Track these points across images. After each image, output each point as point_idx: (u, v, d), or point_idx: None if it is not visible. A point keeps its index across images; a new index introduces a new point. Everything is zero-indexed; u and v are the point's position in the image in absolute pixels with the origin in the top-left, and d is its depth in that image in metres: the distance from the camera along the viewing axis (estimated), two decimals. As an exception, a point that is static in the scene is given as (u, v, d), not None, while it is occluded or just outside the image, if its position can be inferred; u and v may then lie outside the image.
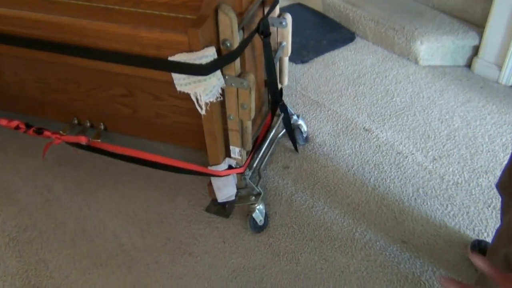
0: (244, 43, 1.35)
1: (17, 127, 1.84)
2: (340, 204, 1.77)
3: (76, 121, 1.98)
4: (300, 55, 2.50)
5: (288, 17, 1.60)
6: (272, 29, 1.62)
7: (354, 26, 2.63)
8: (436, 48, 2.35)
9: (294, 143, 1.95)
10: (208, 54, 1.22)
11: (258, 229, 1.69)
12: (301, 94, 2.29)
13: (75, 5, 1.39)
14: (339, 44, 2.57)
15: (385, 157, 1.93)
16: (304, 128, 1.99)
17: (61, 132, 1.86)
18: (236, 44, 1.29)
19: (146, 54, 1.29)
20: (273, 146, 1.96)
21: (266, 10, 1.56)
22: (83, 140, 1.77)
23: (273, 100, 1.74)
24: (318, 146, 2.00)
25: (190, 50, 1.23)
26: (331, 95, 2.26)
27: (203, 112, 1.33)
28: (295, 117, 1.98)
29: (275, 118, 1.88)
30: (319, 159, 1.95)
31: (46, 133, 1.82)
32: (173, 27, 1.23)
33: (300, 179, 1.87)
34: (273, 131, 1.90)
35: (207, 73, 1.25)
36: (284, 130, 1.97)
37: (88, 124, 1.98)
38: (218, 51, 1.30)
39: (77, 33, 1.33)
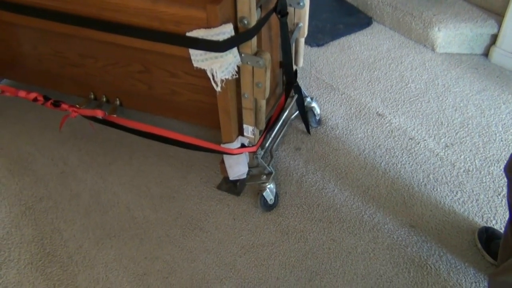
0: (261, 22, 1.35)
1: (35, 99, 1.88)
2: (350, 187, 1.79)
3: (92, 96, 2.01)
4: (316, 38, 2.49)
5: (306, -3, 1.60)
6: (289, 10, 1.62)
7: (372, 11, 2.61)
8: (453, 35, 2.33)
9: (307, 125, 1.96)
10: (226, 31, 1.24)
11: (268, 207, 1.72)
12: (316, 77, 2.29)
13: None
14: (355, 28, 2.56)
15: (397, 142, 1.94)
16: (317, 110, 2.00)
17: (77, 105, 1.89)
18: (253, 22, 1.30)
19: (165, 29, 1.31)
20: (285, 127, 1.97)
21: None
22: (99, 114, 1.80)
23: (288, 81, 1.75)
24: (330, 129, 2.02)
25: (208, 26, 1.24)
26: (346, 79, 2.26)
27: (218, 89, 1.35)
28: (308, 99, 1.99)
29: (288, 100, 1.89)
30: (331, 141, 1.96)
31: (63, 106, 1.85)
32: (192, 3, 1.24)
33: (311, 160, 1.89)
34: (286, 112, 1.91)
35: (223, 50, 1.27)
36: (297, 112, 1.99)
37: (104, 99, 2.00)
38: (236, 28, 1.31)
39: (98, 6, 1.35)
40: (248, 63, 1.38)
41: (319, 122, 2.03)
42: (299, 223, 1.68)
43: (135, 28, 1.35)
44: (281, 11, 1.48)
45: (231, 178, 1.72)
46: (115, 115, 1.85)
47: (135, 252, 1.65)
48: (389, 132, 1.98)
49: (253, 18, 1.29)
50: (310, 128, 1.99)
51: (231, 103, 1.49)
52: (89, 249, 1.67)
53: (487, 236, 1.56)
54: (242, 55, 1.37)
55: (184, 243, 1.66)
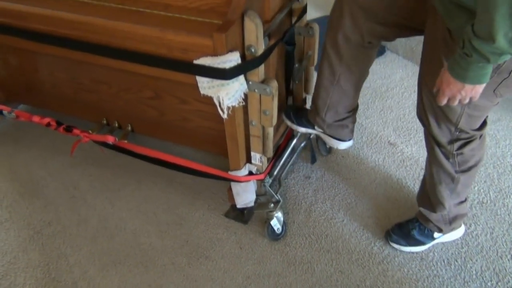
0: (268, 50, 1.36)
1: (48, 124, 1.91)
2: (360, 217, 1.75)
3: (105, 121, 2.04)
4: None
5: (316, 27, 1.61)
6: (299, 38, 1.63)
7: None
8: (467, 64, 2.30)
9: (313, 154, 1.93)
10: (232, 59, 1.24)
11: (275, 236, 1.69)
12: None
13: (108, 7, 1.44)
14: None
15: (409, 172, 1.90)
16: (328, 139, 1.98)
17: (90, 131, 1.91)
18: (260, 51, 1.30)
19: (172, 57, 1.32)
20: (295, 155, 1.95)
21: (294, 20, 1.57)
22: (110, 139, 1.82)
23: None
24: (341, 158, 1.99)
25: (215, 54, 1.25)
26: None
27: (224, 116, 1.35)
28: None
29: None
30: (342, 170, 1.93)
31: (75, 131, 1.87)
32: (199, 31, 1.26)
33: (321, 189, 1.86)
34: (295, 140, 1.90)
35: (230, 77, 1.27)
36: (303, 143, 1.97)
37: (116, 124, 2.03)
38: (243, 56, 1.31)
39: (108, 34, 1.38)
40: (256, 90, 1.39)
41: (329, 150, 2.01)
42: (306, 253, 1.64)
43: (143, 55, 1.36)
44: (288, 41, 1.49)
45: (238, 206, 1.70)
46: (126, 141, 1.86)
47: (139, 279, 1.63)
48: (401, 162, 1.95)
49: (260, 46, 1.30)
50: (320, 156, 1.97)
51: (238, 130, 1.49)
52: (94, 275, 1.66)
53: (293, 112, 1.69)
54: (250, 82, 1.37)
55: (189, 272, 1.64)
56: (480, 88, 1.04)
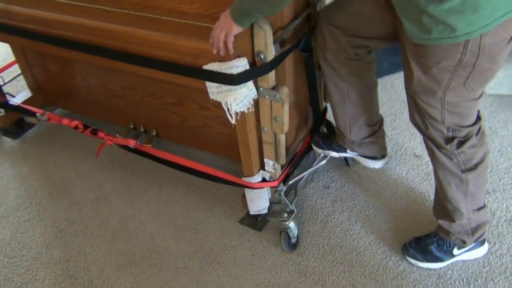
0: (279, 57, 1.35)
1: (76, 127, 1.99)
2: (377, 230, 1.69)
3: (132, 126, 2.10)
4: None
5: (334, 34, 1.58)
6: (317, 45, 1.61)
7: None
8: (504, 76, 2.19)
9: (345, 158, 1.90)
10: (239, 65, 1.25)
11: (291, 247, 1.66)
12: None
13: (127, 14, 1.48)
14: (400, 67, 2.47)
15: (433, 186, 1.81)
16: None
17: (117, 135, 1.97)
18: (270, 57, 1.30)
19: (184, 62, 1.35)
20: (315, 165, 1.92)
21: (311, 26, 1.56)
22: (131, 143, 1.87)
23: (315, 118, 1.73)
24: (363, 169, 1.94)
25: (222, 59, 1.26)
26: (385, 118, 2.16)
27: (233, 121, 1.35)
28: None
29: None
30: (363, 181, 1.88)
31: (100, 134, 1.94)
32: (208, 37, 1.27)
33: (340, 200, 1.82)
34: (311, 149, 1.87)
35: (237, 83, 1.27)
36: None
37: (142, 129, 2.08)
38: (253, 62, 1.32)
39: (124, 40, 1.42)
40: (266, 97, 1.38)
41: (352, 160, 1.96)
42: (318, 264, 1.61)
43: (158, 60, 1.39)
44: (306, 48, 1.48)
45: (251, 213, 1.70)
46: (150, 145, 1.91)
47: (152, 281, 1.65)
48: (425, 175, 1.87)
49: (270, 53, 1.30)
50: (343, 167, 1.93)
51: (250, 136, 1.49)
52: (109, 274, 1.70)
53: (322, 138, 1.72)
54: (260, 89, 1.37)
55: (200, 276, 1.64)
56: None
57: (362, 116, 1.60)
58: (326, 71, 1.51)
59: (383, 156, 1.71)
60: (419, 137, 2.05)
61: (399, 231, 1.68)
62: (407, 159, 1.96)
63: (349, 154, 1.72)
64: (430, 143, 1.37)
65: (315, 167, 1.84)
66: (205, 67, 1.30)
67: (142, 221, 1.88)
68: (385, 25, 1.33)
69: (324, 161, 1.82)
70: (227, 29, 1.19)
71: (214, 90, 1.33)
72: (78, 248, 1.82)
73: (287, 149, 1.74)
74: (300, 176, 1.77)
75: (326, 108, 1.83)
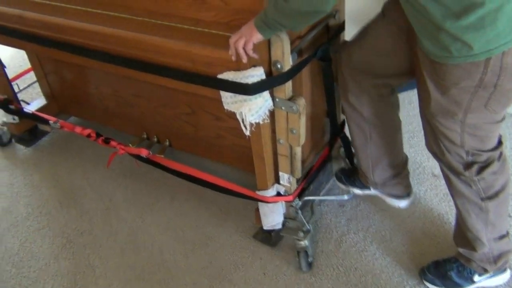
0: (297, 67, 1.30)
1: (88, 135, 1.96)
2: (393, 252, 1.61)
3: (145, 135, 2.06)
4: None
5: (353, 45, 1.53)
6: (336, 57, 1.56)
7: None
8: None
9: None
10: (255, 74, 1.20)
11: (307, 267, 1.59)
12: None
13: (142, 22, 1.45)
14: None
15: (452, 207, 1.73)
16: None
17: (130, 144, 1.94)
18: (287, 67, 1.25)
19: (197, 71, 1.31)
20: (331, 181, 1.86)
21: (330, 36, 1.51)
22: (143, 152, 1.83)
23: (332, 131, 1.67)
24: (380, 186, 1.87)
25: (238, 68, 1.22)
26: (402, 136, 2.11)
27: (247, 133, 1.30)
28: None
29: (336, 150, 1.79)
30: (379, 201, 1.79)
31: (113, 143, 1.90)
32: (224, 45, 1.23)
33: (355, 219, 1.75)
34: (331, 163, 1.81)
35: (252, 93, 1.23)
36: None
37: (155, 139, 2.05)
38: (269, 72, 1.27)
39: (138, 48, 1.39)
40: (282, 108, 1.33)
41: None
42: (332, 286, 1.53)
43: (171, 69, 1.36)
44: (324, 58, 1.43)
45: (264, 227, 1.64)
46: (162, 156, 1.87)
47: (160, 297, 1.60)
48: (444, 196, 1.79)
49: (287, 62, 1.25)
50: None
51: (265, 148, 1.44)
52: (116, 289, 1.65)
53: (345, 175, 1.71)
54: (276, 99, 1.32)
55: (209, 294, 1.58)
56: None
57: (385, 157, 1.54)
58: (348, 112, 1.49)
59: (408, 195, 1.64)
60: (440, 154, 1.97)
61: (417, 253, 1.60)
62: (426, 179, 1.88)
63: (372, 192, 1.66)
64: (447, 170, 1.29)
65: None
66: (219, 76, 1.25)
67: (152, 234, 1.83)
68: (403, 56, 1.28)
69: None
70: (247, 36, 1.15)
71: (228, 100, 1.28)
72: (86, 260, 1.77)
73: (303, 162, 1.68)
74: (317, 192, 1.71)
75: (344, 120, 1.77)
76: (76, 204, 2.02)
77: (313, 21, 1.15)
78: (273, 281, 1.58)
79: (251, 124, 1.29)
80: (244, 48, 1.16)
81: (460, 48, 0.99)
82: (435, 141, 1.25)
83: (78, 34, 1.51)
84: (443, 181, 1.81)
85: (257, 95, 1.24)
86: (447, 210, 1.74)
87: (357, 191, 1.70)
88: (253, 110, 1.25)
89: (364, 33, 1.36)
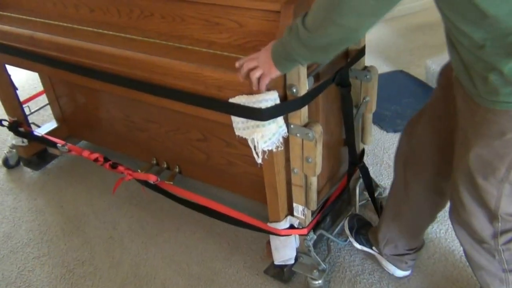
0: (314, 92, 1.23)
1: (96, 160, 1.89)
2: (414, 295, 1.49)
3: (154, 161, 2.00)
4: (394, 124, 2.30)
5: (374, 70, 1.46)
6: (356, 82, 1.49)
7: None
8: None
9: (377, 210, 1.72)
10: (269, 98, 1.13)
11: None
12: (388, 165, 2.07)
13: (153, 43, 1.41)
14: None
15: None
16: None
17: (139, 170, 1.87)
18: (303, 91, 1.18)
19: (209, 94, 1.24)
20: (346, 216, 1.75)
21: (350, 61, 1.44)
22: (152, 178, 1.76)
23: (351, 160, 1.57)
24: (399, 223, 1.75)
25: (250, 92, 1.15)
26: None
27: (259, 161, 1.22)
28: (380, 189, 1.78)
29: (354, 182, 1.70)
30: (398, 237, 1.69)
31: (120, 168, 1.84)
32: (235, 68, 1.16)
33: (370, 258, 1.63)
34: (345, 195, 1.71)
35: (266, 118, 1.15)
36: (363, 200, 1.77)
37: (165, 165, 1.98)
38: (284, 96, 1.20)
39: (147, 69, 1.34)
40: (297, 135, 1.25)
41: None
42: (346, 331, 1.41)
43: (181, 92, 1.30)
44: (342, 83, 1.35)
45: (276, 263, 1.53)
46: (172, 183, 1.79)
47: (159, 336, 1.48)
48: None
49: (303, 86, 1.18)
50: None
51: (278, 178, 1.35)
52: (115, 324, 1.54)
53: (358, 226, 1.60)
54: (291, 126, 1.25)
55: (213, 335, 1.46)
56: None
57: (403, 239, 1.46)
58: (396, 179, 1.40)
59: (408, 269, 1.54)
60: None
61: (440, 298, 1.47)
62: (446, 217, 1.75)
63: (373, 252, 1.59)
64: (470, 238, 1.17)
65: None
66: (231, 100, 1.19)
67: (155, 267, 1.73)
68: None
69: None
70: (265, 70, 1.06)
71: (240, 125, 1.21)
72: (85, 292, 1.68)
73: (318, 193, 1.59)
74: (333, 227, 1.61)
75: (363, 150, 1.68)
76: (79, 232, 1.94)
77: (341, 49, 0.99)
78: (282, 323, 1.47)
79: (264, 152, 1.21)
80: (258, 80, 1.09)
81: (510, 93, 0.88)
82: (463, 208, 1.12)
83: (88, 55, 1.47)
84: (467, 220, 1.71)
85: (270, 121, 1.16)
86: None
87: (357, 245, 1.62)
88: (266, 136, 1.17)
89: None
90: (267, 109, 1.14)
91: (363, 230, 1.61)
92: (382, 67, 2.84)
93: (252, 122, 1.18)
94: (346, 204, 1.77)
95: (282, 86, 1.19)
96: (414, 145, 1.30)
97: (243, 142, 1.61)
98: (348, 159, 1.59)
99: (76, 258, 1.82)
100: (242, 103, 1.16)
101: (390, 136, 2.24)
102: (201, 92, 1.25)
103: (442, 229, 1.72)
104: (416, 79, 2.69)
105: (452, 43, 0.94)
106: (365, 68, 1.47)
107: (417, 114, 1.30)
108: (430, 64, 2.57)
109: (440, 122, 1.21)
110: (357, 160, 1.58)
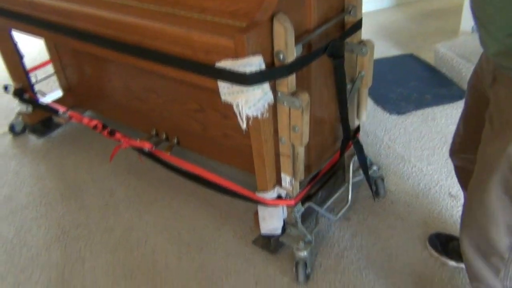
0: (302, 60, 1.22)
1: (95, 127, 1.92)
2: (398, 273, 1.48)
3: (154, 132, 2.02)
4: (398, 106, 2.27)
5: (370, 44, 1.43)
6: (352, 57, 1.47)
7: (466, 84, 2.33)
8: None
9: (371, 187, 1.71)
10: (253, 63, 1.12)
11: (305, 279, 1.49)
12: (387, 146, 2.05)
13: (146, 9, 1.40)
14: (445, 100, 2.29)
15: (470, 230, 1.59)
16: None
17: (138, 140, 1.88)
18: (290, 58, 1.17)
19: (196, 59, 1.24)
20: (339, 191, 1.74)
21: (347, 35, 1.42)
22: (147, 146, 1.78)
23: (344, 135, 1.56)
24: (390, 203, 1.74)
25: (236, 56, 1.14)
26: (421, 152, 1.98)
27: (243, 126, 1.22)
28: (375, 167, 1.77)
29: (349, 159, 1.69)
30: (388, 217, 1.68)
31: (117, 135, 1.86)
32: (223, 32, 1.16)
33: (360, 234, 1.63)
34: (339, 171, 1.70)
35: (250, 83, 1.15)
36: (357, 177, 1.76)
37: (164, 136, 2.00)
38: (271, 63, 1.19)
39: (139, 33, 1.34)
40: (284, 103, 1.25)
41: (384, 194, 1.77)
42: (327, 302, 1.42)
43: (170, 56, 1.30)
44: (334, 53, 1.33)
45: (262, 232, 1.54)
46: (169, 153, 1.81)
47: (145, 298, 1.51)
48: (459, 218, 1.64)
49: (290, 53, 1.17)
50: (369, 198, 1.74)
51: (265, 147, 1.35)
52: (103, 285, 1.58)
53: (441, 241, 1.47)
54: (279, 94, 1.24)
55: (196, 300, 1.49)
56: None
57: None
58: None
59: None
60: (459, 174, 1.84)
61: (423, 276, 1.46)
62: (441, 198, 1.74)
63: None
64: (476, 248, 1.10)
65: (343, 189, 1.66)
66: (217, 64, 1.18)
67: (147, 233, 1.76)
68: None
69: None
70: None
71: (225, 90, 1.20)
72: (77, 253, 1.71)
73: (309, 167, 1.59)
74: (323, 201, 1.60)
75: (359, 126, 1.66)
76: (77, 198, 1.97)
77: None
78: (265, 291, 1.48)
79: (248, 118, 1.20)
80: None
81: None
82: (483, 211, 1.04)
83: (83, 19, 1.48)
84: (459, 202, 1.70)
85: (255, 86, 1.16)
86: (462, 233, 1.59)
87: (452, 263, 1.47)
88: (250, 102, 1.17)
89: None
90: (252, 74, 1.13)
91: (448, 244, 1.50)
92: (393, 51, 2.80)
93: (237, 87, 1.17)
94: (341, 182, 1.77)
95: (270, 52, 1.18)
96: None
97: (237, 113, 1.63)
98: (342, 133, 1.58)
99: (71, 222, 1.85)
100: (227, 68, 1.16)
101: (393, 118, 2.22)
102: (189, 57, 1.25)
103: (435, 210, 1.70)
104: (425, 63, 2.64)
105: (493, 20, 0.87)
106: (361, 42, 1.45)
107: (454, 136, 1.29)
108: (440, 48, 2.52)
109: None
110: (349, 135, 1.56)
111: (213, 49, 1.18)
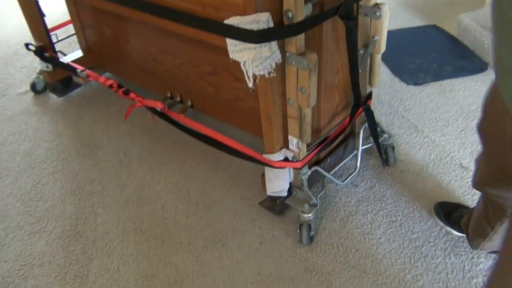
0: (312, 20, 1.21)
1: (110, 86, 1.96)
2: (401, 239, 1.49)
3: (169, 94, 2.04)
4: (415, 77, 2.23)
5: (384, 8, 1.40)
6: (365, 20, 1.45)
7: (489, 56, 2.26)
8: None
9: (381, 155, 1.70)
10: (260, 20, 1.12)
11: (307, 240, 1.51)
12: (401, 115, 2.02)
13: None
14: (465, 72, 2.24)
15: (475, 202, 1.58)
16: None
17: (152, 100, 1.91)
18: (300, 17, 1.16)
19: (206, 16, 1.24)
20: (348, 158, 1.74)
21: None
22: (159, 105, 1.81)
23: (355, 100, 1.55)
24: (399, 172, 1.73)
25: (245, 13, 1.14)
26: (435, 123, 1.96)
27: (250, 85, 1.22)
28: (385, 135, 1.76)
29: (359, 126, 1.68)
30: (396, 185, 1.68)
31: (132, 95, 1.89)
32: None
33: (366, 201, 1.63)
34: (360, 138, 1.69)
35: (257, 41, 1.15)
36: (367, 144, 1.76)
37: (179, 98, 2.02)
38: (280, 21, 1.19)
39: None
40: (292, 63, 1.25)
41: (395, 162, 1.77)
42: (328, 264, 1.44)
43: (180, 13, 1.30)
44: (346, 15, 1.31)
45: (268, 193, 1.56)
46: (183, 115, 1.83)
47: (153, 251, 1.57)
48: (469, 189, 1.63)
49: (299, 12, 1.16)
50: (378, 166, 1.74)
51: (273, 108, 1.36)
52: (113, 238, 1.64)
53: (445, 211, 1.48)
54: (287, 53, 1.24)
55: (202, 255, 1.53)
56: None
57: None
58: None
59: None
60: (470, 147, 1.82)
61: (426, 243, 1.46)
62: (452, 169, 1.72)
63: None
64: None
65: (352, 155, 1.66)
66: (226, 21, 1.18)
67: (158, 191, 1.80)
68: None
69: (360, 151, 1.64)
70: None
71: (233, 48, 1.21)
72: (91, 207, 1.77)
73: (319, 131, 1.59)
74: (330, 166, 1.61)
75: (371, 92, 1.64)
76: (92, 155, 2.03)
77: None
78: (268, 251, 1.51)
79: (255, 76, 1.21)
80: None
81: None
82: None
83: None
84: (469, 173, 1.68)
85: (262, 45, 1.16)
86: (469, 204, 1.58)
87: (456, 233, 1.47)
88: (257, 60, 1.17)
89: None
90: (259, 31, 1.13)
91: (453, 215, 1.49)
92: (416, 21, 2.73)
93: (244, 45, 1.18)
94: (351, 149, 1.77)
95: (279, 10, 1.17)
96: None
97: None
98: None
99: (86, 177, 1.91)
100: (235, 25, 1.16)
101: (410, 89, 2.18)
102: (199, 13, 1.26)
103: (445, 180, 1.69)
104: (448, 35, 2.57)
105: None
106: (376, 4, 1.42)
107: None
108: (463, 19, 2.44)
109: None
110: (360, 101, 1.55)
111: (223, 6, 1.19)
